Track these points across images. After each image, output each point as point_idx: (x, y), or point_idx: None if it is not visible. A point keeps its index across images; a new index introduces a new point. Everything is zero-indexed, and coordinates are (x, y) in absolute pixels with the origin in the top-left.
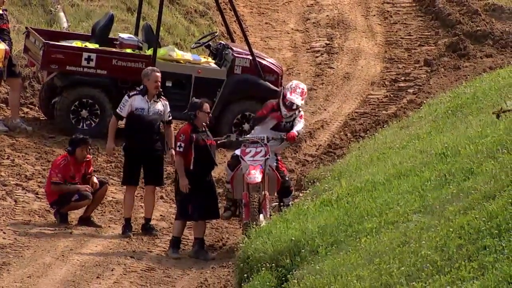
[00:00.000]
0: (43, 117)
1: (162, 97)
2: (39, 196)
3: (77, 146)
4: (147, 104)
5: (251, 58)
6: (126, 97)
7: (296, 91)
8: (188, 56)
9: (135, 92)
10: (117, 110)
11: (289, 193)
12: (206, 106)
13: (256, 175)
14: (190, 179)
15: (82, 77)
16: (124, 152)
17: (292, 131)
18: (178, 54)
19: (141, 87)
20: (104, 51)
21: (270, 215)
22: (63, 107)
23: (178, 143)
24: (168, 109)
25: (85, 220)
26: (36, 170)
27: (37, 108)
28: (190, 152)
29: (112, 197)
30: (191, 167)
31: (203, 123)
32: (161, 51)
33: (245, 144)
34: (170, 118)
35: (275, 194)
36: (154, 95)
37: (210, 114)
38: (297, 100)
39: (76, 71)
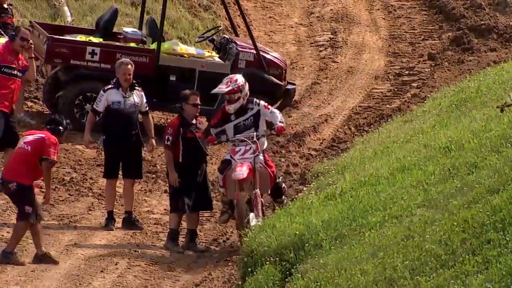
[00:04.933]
0: (47, 111)
1: (137, 88)
2: (43, 190)
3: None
4: (122, 97)
5: (255, 52)
6: (101, 91)
7: (222, 82)
8: (192, 50)
9: (110, 86)
10: (94, 106)
11: (281, 194)
12: (193, 98)
13: (241, 172)
14: (180, 171)
15: (86, 71)
16: (103, 146)
17: (277, 124)
18: (182, 48)
19: (114, 80)
20: (108, 45)
21: (264, 214)
22: (67, 101)
23: (166, 137)
24: (145, 100)
25: None
26: None
27: (41, 102)
28: (178, 145)
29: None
30: (180, 160)
31: (193, 116)
32: (165, 45)
33: (235, 143)
34: (147, 108)
35: (269, 193)
36: (127, 87)
37: (199, 107)
38: (221, 89)
39: (80, 65)
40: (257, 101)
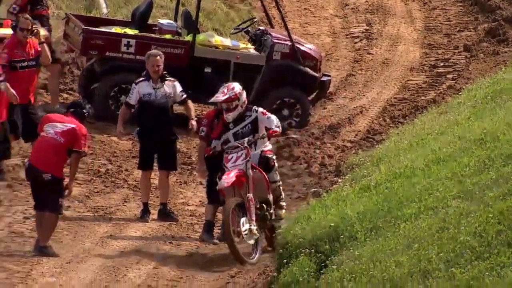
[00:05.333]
0: None
1: (169, 78)
2: (78, 182)
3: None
4: (153, 89)
5: (290, 44)
6: (133, 84)
7: (219, 91)
8: (227, 42)
9: (141, 79)
10: (127, 99)
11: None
12: None
13: (226, 179)
14: (214, 162)
15: (121, 63)
16: (138, 138)
17: (271, 129)
18: (217, 40)
19: (144, 72)
20: (144, 37)
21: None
22: (102, 93)
23: (201, 128)
24: (179, 89)
25: None
26: None
27: (76, 94)
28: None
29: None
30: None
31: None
32: (200, 37)
33: (227, 151)
34: (184, 96)
35: (269, 196)
36: (157, 79)
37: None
38: (218, 97)
39: (116, 57)
40: (256, 108)
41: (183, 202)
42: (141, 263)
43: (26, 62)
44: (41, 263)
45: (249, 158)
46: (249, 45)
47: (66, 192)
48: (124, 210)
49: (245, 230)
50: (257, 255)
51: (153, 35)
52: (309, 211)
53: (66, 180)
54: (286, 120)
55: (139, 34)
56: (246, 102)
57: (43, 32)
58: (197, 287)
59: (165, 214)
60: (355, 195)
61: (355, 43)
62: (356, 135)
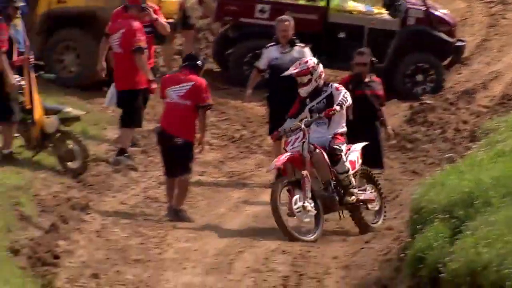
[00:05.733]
0: (217, 68)
1: (300, 44)
2: (213, 147)
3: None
4: (281, 53)
5: (424, 9)
6: (263, 49)
7: (294, 64)
8: (361, 7)
9: (270, 44)
10: (256, 63)
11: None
12: (357, 58)
13: (275, 162)
14: (350, 130)
15: (256, 28)
16: (267, 102)
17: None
18: (351, 5)
19: (274, 37)
20: (278, 2)
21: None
22: (236, 59)
23: None
24: (308, 55)
25: None
26: (210, 121)
27: (211, 60)
28: None
29: None
30: (350, 117)
31: (362, 74)
32: (334, 2)
33: (287, 134)
34: None
35: (330, 177)
36: (286, 43)
37: (367, 64)
38: (290, 71)
39: (250, 22)
40: (332, 84)
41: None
42: (275, 228)
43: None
44: (175, 228)
45: (306, 139)
46: (383, 10)
47: (199, 147)
48: (259, 175)
49: (297, 208)
50: (317, 233)
51: (287, 1)
52: (443, 177)
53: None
54: (420, 86)
55: (273, 0)
56: (321, 76)
57: None
58: (332, 252)
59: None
60: (489, 161)
61: (490, 7)
62: (491, 100)
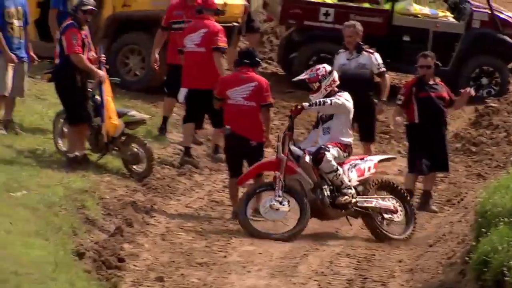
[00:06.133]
0: (281, 71)
1: (368, 49)
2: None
3: None
4: (347, 59)
5: (489, 12)
6: (335, 54)
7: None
8: (425, 10)
9: (341, 50)
10: None
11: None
12: (421, 60)
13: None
14: (416, 132)
15: (320, 32)
16: None
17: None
18: (415, 8)
19: (343, 42)
20: (342, 5)
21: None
22: (301, 62)
23: (398, 96)
24: (377, 61)
25: None
26: (274, 124)
27: (275, 63)
28: (412, 105)
29: None
30: (416, 121)
31: (427, 77)
32: (399, 5)
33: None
34: (381, 69)
35: (317, 179)
36: (353, 49)
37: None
38: (301, 76)
39: (314, 26)
40: (343, 92)
41: (381, 171)
42: (340, 232)
43: (183, 24)
44: (240, 231)
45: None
46: (448, 14)
47: (266, 144)
48: None
49: (264, 207)
50: (293, 231)
51: (351, 4)
52: (509, 180)
53: None
54: (485, 89)
55: (337, 3)
56: (333, 84)
57: (241, 1)
58: (396, 255)
59: None
60: None
61: None
62: None
